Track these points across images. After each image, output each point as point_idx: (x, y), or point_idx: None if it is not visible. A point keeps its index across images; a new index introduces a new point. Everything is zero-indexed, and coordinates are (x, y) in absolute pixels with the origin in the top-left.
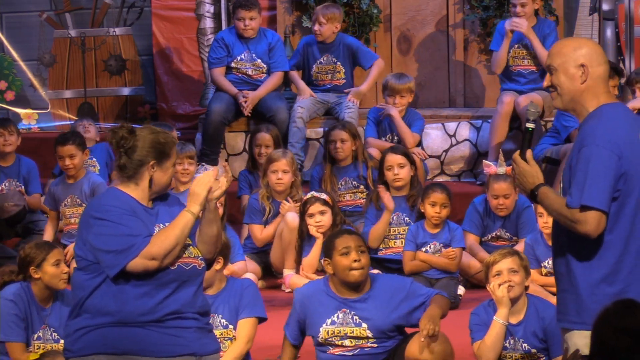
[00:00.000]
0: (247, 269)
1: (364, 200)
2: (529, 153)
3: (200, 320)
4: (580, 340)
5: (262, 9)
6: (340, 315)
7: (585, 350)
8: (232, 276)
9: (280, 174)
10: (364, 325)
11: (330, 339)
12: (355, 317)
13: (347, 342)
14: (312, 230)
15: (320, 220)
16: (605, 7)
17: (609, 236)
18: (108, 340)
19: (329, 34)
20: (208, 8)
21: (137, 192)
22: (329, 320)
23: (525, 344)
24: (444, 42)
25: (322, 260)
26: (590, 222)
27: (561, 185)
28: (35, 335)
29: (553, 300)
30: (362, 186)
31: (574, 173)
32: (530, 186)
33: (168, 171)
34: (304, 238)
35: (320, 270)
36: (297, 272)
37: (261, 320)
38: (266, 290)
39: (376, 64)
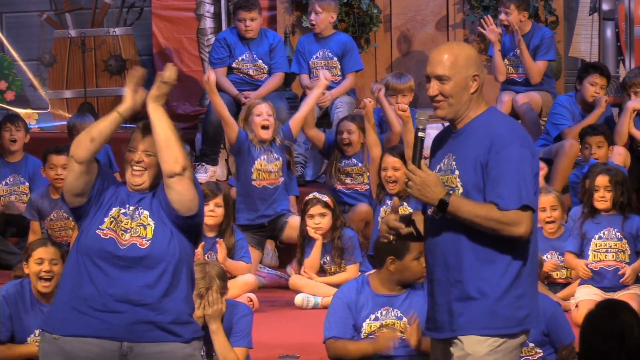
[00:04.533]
0: (247, 271)
1: (364, 186)
2: (423, 162)
3: (139, 312)
4: (484, 348)
5: (262, 9)
6: (384, 313)
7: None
8: (230, 299)
9: (266, 115)
10: (404, 319)
11: (373, 333)
12: (398, 312)
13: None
14: (311, 232)
15: (319, 222)
16: (605, 7)
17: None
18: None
19: (326, 24)
20: (208, 8)
21: None
22: (373, 316)
23: None
24: (444, 42)
25: (386, 258)
26: (527, 222)
27: (460, 190)
28: (37, 332)
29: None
30: (360, 165)
31: (497, 175)
32: (438, 195)
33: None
34: (305, 238)
35: (321, 271)
36: (299, 272)
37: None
38: (267, 291)
39: (351, 76)
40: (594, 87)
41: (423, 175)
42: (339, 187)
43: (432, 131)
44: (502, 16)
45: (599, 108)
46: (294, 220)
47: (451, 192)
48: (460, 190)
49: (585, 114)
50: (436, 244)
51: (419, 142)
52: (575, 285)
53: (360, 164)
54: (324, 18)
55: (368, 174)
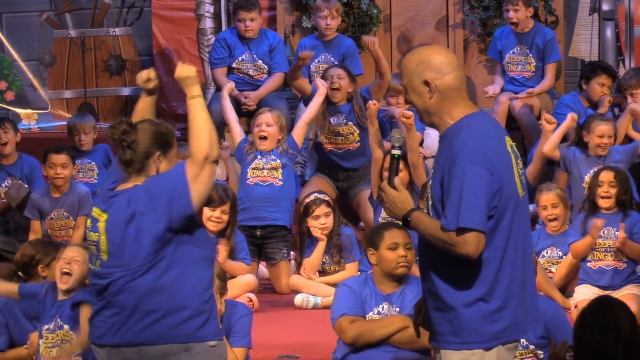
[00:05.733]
0: (247, 271)
1: (356, 144)
2: (397, 180)
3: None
4: (457, 357)
5: (262, 9)
6: (385, 307)
7: None
8: (230, 299)
9: (264, 126)
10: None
11: None
12: (397, 309)
13: None
14: (317, 233)
15: (325, 222)
16: (605, 7)
17: (486, 254)
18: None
19: (336, 27)
20: (208, 8)
21: None
22: (376, 310)
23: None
24: (443, 43)
25: (367, 250)
26: (471, 243)
27: (429, 202)
28: (45, 327)
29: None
30: (350, 122)
31: (447, 192)
32: (401, 212)
33: (173, 161)
34: (305, 239)
35: (321, 271)
36: (298, 272)
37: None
38: (267, 291)
39: None
40: (602, 87)
41: (390, 193)
42: (330, 147)
43: (432, 132)
44: (511, 13)
45: (602, 109)
46: (285, 268)
47: (416, 210)
48: (430, 202)
49: (590, 112)
50: (420, 256)
51: (394, 160)
52: (563, 267)
53: (350, 122)
54: (336, 22)
55: (359, 131)
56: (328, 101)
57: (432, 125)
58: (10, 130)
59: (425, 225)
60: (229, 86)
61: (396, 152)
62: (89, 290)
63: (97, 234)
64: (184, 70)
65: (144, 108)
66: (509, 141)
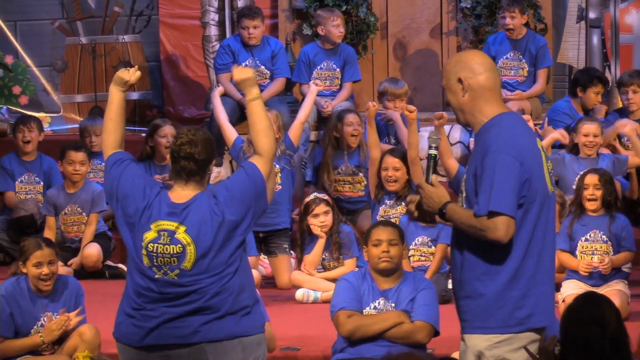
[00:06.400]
0: (251, 265)
1: (361, 192)
2: (433, 177)
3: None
4: (481, 342)
5: (264, 17)
6: (382, 302)
7: (487, 352)
8: None
9: None
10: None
11: None
12: (392, 304)
13: None
14: (317, 230)
15: (324, 220)
16: (591, 15)
17: (513, 242)
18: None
19: None
20: (213, 16)
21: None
22: (372, 305)
23: None
24: (437, 49)
25: (363, 247)
26: (500, 227)
27: (463, 195)
28: (39, 323)
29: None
30: (361, 174)
31: (479, 182)
32: (438, 205)
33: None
34: (305, 236)
35: (321, 268)
36: (298, 268)
37: None
38: (269, 287)
39: (348, 86)
40: (597, 96)
41: (428, 189)
42: (336, 194)
43: (427, 134)
44: (508, 20)
45: (598, 116)
46: (285, 261)
47: (451, 202)
48: (464, 194)
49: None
50: (452, 246)
51: (431, 159)
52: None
53: (361, 174)
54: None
55: (366, 182)
56: (337, 147)
57: (467, 124)
58: (34, 130)
59: (459, 215)
60: (220, 89)
61: (433, 152)
62: None
63: (178, 245)
64: (242, 73)
65: (123, 103)
66: (539, 142)
